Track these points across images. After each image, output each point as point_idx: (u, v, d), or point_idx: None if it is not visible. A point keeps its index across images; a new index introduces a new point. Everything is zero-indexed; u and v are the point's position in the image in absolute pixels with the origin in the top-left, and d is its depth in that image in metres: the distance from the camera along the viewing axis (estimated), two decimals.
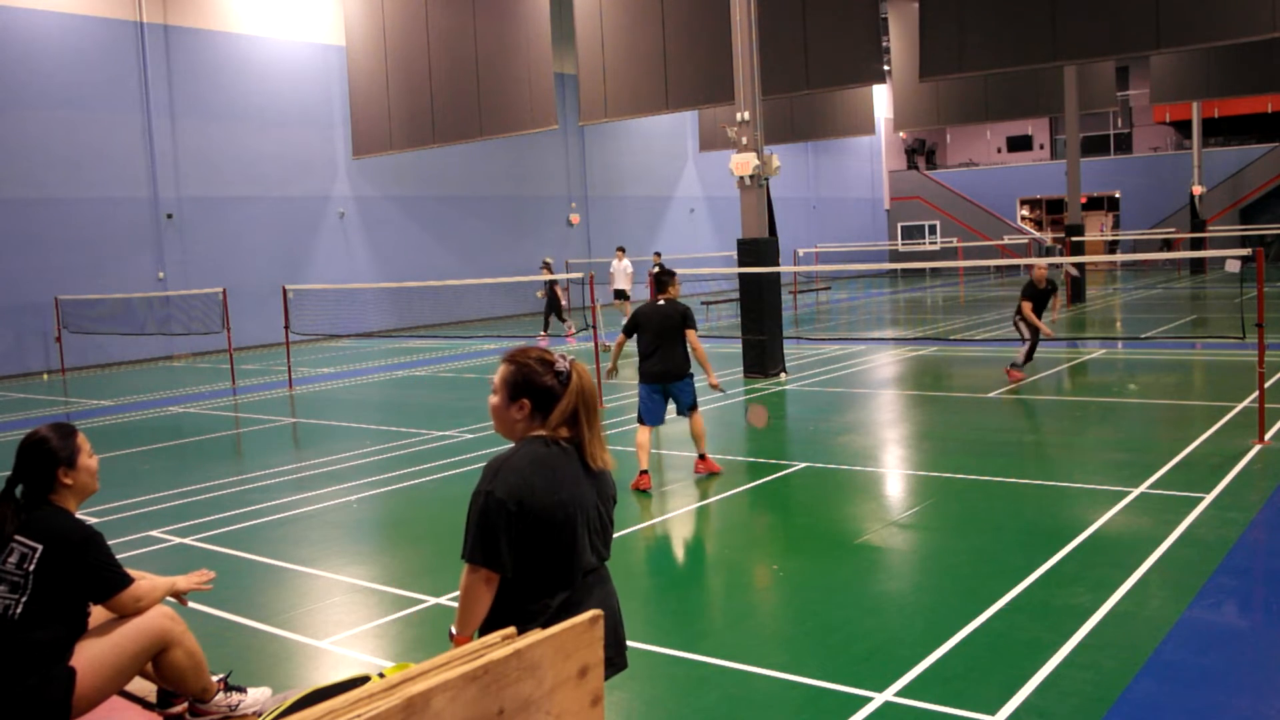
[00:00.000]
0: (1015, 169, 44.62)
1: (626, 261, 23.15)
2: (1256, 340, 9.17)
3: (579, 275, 20.56)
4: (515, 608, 2.98)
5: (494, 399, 3.14)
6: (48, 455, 3.79)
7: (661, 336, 8.36)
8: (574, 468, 3.07)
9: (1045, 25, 16.45)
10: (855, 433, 10.61)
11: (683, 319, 8.37)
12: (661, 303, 8.49)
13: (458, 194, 28.45)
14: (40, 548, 3.64)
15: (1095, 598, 5.38)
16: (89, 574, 3.72)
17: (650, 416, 8.47)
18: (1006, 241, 38.29)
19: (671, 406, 8.62)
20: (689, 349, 8.39)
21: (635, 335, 8.52)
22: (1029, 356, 13.11)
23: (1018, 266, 37.73)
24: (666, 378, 8.38)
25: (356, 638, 5.49)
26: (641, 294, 28.10)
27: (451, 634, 3.04)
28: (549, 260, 22.39)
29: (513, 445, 3.08)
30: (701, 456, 8.68)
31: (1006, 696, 4.31)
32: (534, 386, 3.07)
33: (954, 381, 14.06)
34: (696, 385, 8.66)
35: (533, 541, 2.97)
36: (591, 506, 3.10)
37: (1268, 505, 7.01)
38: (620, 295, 23.46)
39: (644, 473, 8.29)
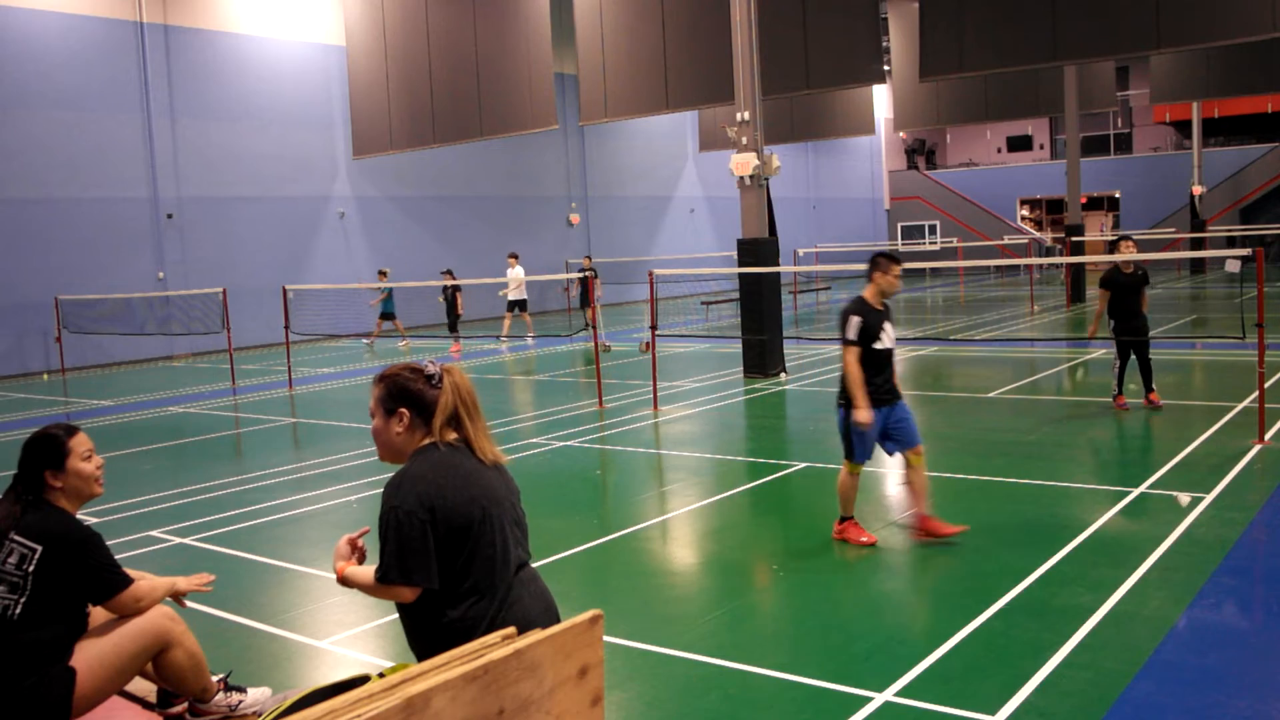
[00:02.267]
0: (1015, 169, 44.62)
1: (520, 269, 21.58)
2: (1256, 340, 9.17)
3: (579, 275, 20.55)
4: (456, 620, 2.92)
5: (374, 422, 3.11)
6: (36, 455, 3.79)
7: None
8: (474, 464, 3.03)
9: (1045, 25, 16.44)
10: None
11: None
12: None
13: (458, 194, 28.45)
14: (40, 548, 3.64)
15: (1095, 598, 5.38)
16: (88, 575, 3.72)
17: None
18: (1006, 241, 38.29)
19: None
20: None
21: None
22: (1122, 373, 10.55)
23: (1018, 267, 37.76)
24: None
25: (356, 638, 5.49)
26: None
27: (340, 572, 3.07)
28: (450, 269, 21.54)
29: (406, 462, 3.04)
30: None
31: (1006, 696, 4.30)
32: (409, 394, 3.06)
33: (954, 381, 14.05)
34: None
35: (455, 545, 2.90)
36: (504, 499, 3.06)
37: (1268, 505, 7.01)
38: (517, 306, 21.71)
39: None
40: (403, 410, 3.06)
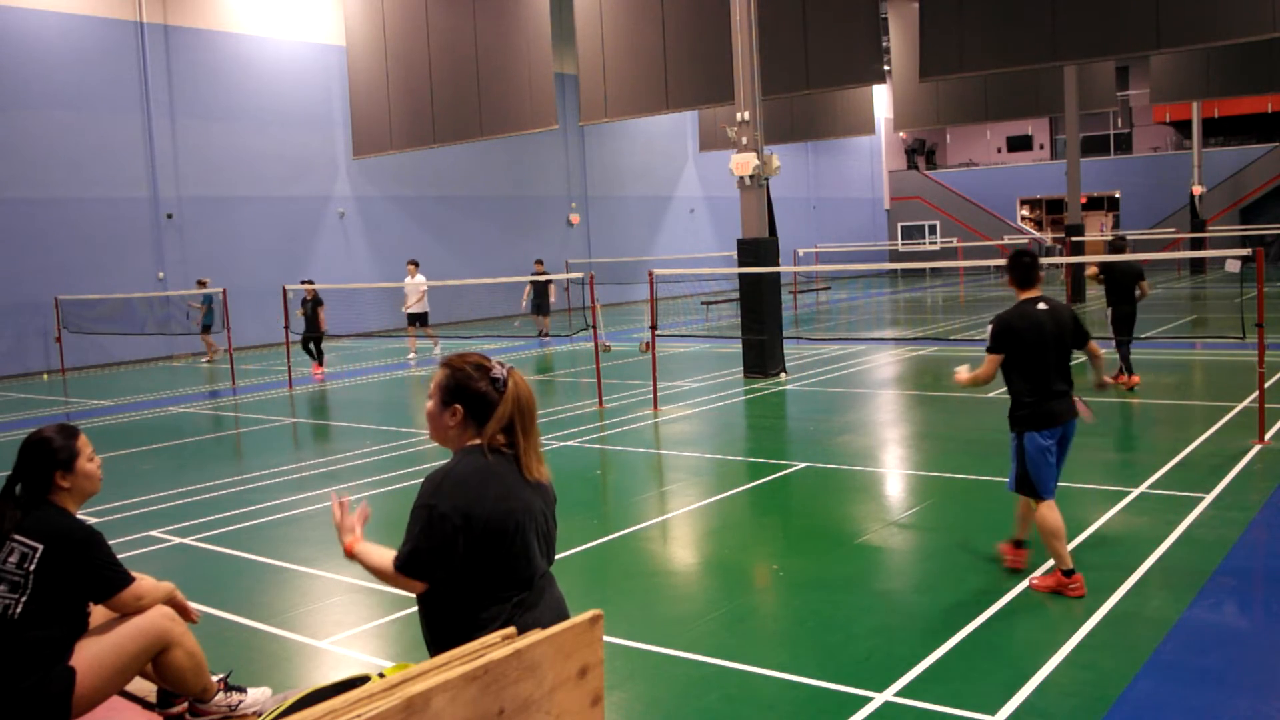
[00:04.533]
0: (1015, 169, 44.62)
1: (420, 277, 19.85)
2: (1256, 340, 9.17)
3: (579, 275, 20.52)
4: (471, 617, 2.94)
5: (430, 404, 3.10)
6: (45, 457, 3.79)
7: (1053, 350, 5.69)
8: (517, 476, 3.02)
9: (1045, 25, 16.45)
10: (855, 433, 10.61)
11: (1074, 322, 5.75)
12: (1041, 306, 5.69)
13: (458, 194, 28.45)
14: (41, 547, 3.64)
15: (1095, 598, 5.37)
16: (90, 573, 3.73)
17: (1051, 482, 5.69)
18: (1006, 241, 38.25)
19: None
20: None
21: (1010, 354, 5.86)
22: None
23: None
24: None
25: (356, 638, 5.49)
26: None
27: (350, 547, 3.05)
28: (310, 279, 20.05)
29: (451, 457, 3.04)
30: (1017, 543, 5.94)
31: (1006, 696, 4.30)
32: (468, 392, 3.01)
33: (954, 381, 14.03)
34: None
35: (483, 551, 2.92)
36: (539, 513, 3.06)
37: (1268, 505, 7.01)
38: (418, 320, 19.85)
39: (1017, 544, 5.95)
40: (457, 406, 3.03)
